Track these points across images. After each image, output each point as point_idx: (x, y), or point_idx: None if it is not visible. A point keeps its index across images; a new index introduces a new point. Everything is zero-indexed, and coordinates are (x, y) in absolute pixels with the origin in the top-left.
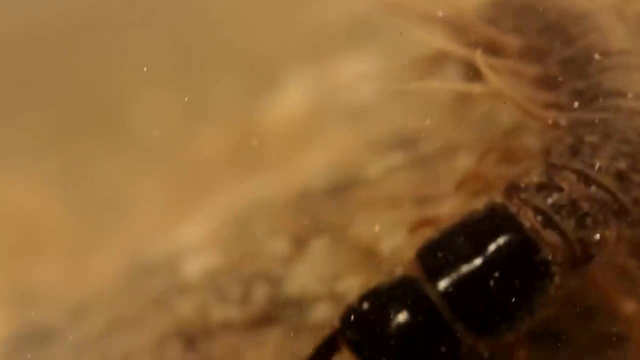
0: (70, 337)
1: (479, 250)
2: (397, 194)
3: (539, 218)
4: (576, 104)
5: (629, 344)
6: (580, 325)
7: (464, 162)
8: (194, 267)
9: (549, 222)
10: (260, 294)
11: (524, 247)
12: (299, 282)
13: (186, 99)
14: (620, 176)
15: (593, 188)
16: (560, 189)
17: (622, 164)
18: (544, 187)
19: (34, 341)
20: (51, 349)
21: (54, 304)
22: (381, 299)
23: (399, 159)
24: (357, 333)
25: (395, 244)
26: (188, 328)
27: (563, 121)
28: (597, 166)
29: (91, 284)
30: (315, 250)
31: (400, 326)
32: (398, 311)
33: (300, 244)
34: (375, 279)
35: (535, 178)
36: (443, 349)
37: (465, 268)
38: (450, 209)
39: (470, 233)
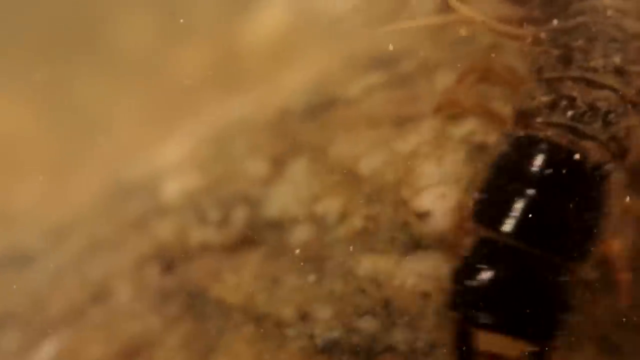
0: (50, 260)
1: (535, 186)
2: (377, 114)
3: (567, 133)
4: (551, 14)
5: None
6: None
7: (444, 80)
8: (173, 188)
9: (578, 134)
10: (239, 216)
11: (572, 164)
12: (278, 204)
13: (181, 21)
14: (619, 71)
15: (597, 90)
16: (572, 99)
17: (617, 59)
18: (556, 103)
19: (13, 264)
20: (30, 272)
21: (33, 225)
22: (474, 270)
23: (379, 78)
24: (476, 310)
25: (375, 164)
26: (167, 250)
27: (543, 34)
28: (594, 68)
29: (70, 205)
30: (294, 172)
31: (507, 283)
32: (497, 273)
33: (279, 164)
34: (355, 200)
35: (543, 98)
36: (553, 286)
37: (530, 208)
38: (430, 129)
39: (514, 175)
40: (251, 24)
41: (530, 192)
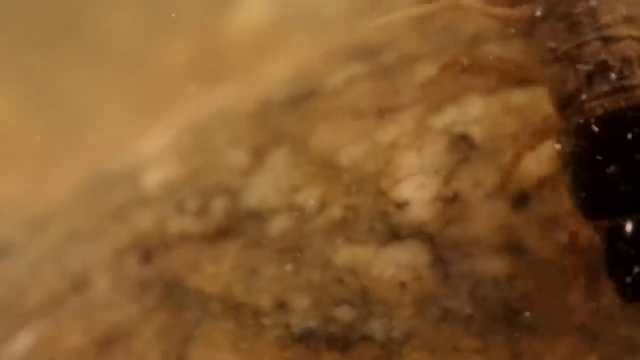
0: (29, 250)
1: (623, 158)
2: (358, 105)
3: (619, 93)
4: None
5: None
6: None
7: (426, 71)
8: (153, 178)
9: (627, 89)
10: (219, 206)
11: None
12: (258, 194)
13: (173, 15)
14: (629, 20)
15: (618, 43)
16: (603, 62)
17: (622, 10)
18: (592, 72)
19: None
20: (10, 262)
21: (12, 216)
22: (626, 260)
23: (360, 69)
24: None
25: (355, 154)
26: (145, 240)
27: (539, 10)
28: (606, 24)
29: (50, 196)
30: (274, 162)
31: None
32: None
33: (259, 155)
34: (335, 190)
35: (575, 74)
36: None
37: (632, 179)
38: (410, 119)
39: (598, 159)
40: (233, 15)
41: (623, 165)
